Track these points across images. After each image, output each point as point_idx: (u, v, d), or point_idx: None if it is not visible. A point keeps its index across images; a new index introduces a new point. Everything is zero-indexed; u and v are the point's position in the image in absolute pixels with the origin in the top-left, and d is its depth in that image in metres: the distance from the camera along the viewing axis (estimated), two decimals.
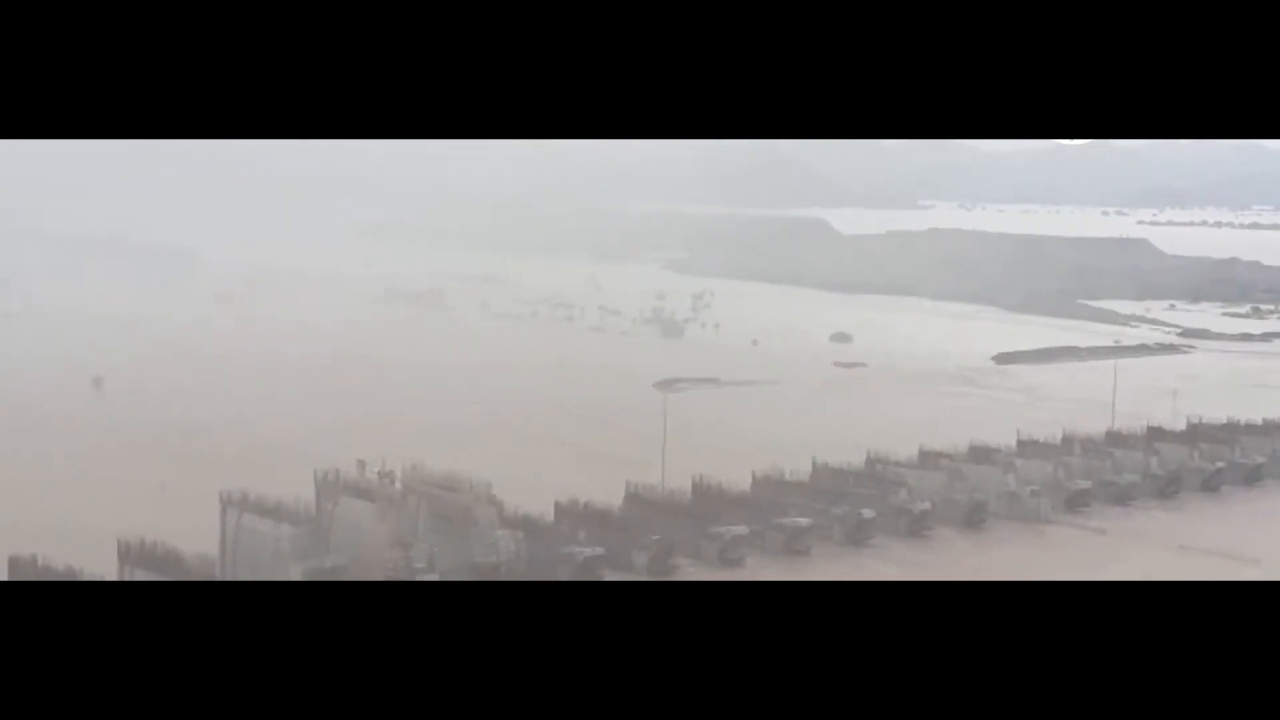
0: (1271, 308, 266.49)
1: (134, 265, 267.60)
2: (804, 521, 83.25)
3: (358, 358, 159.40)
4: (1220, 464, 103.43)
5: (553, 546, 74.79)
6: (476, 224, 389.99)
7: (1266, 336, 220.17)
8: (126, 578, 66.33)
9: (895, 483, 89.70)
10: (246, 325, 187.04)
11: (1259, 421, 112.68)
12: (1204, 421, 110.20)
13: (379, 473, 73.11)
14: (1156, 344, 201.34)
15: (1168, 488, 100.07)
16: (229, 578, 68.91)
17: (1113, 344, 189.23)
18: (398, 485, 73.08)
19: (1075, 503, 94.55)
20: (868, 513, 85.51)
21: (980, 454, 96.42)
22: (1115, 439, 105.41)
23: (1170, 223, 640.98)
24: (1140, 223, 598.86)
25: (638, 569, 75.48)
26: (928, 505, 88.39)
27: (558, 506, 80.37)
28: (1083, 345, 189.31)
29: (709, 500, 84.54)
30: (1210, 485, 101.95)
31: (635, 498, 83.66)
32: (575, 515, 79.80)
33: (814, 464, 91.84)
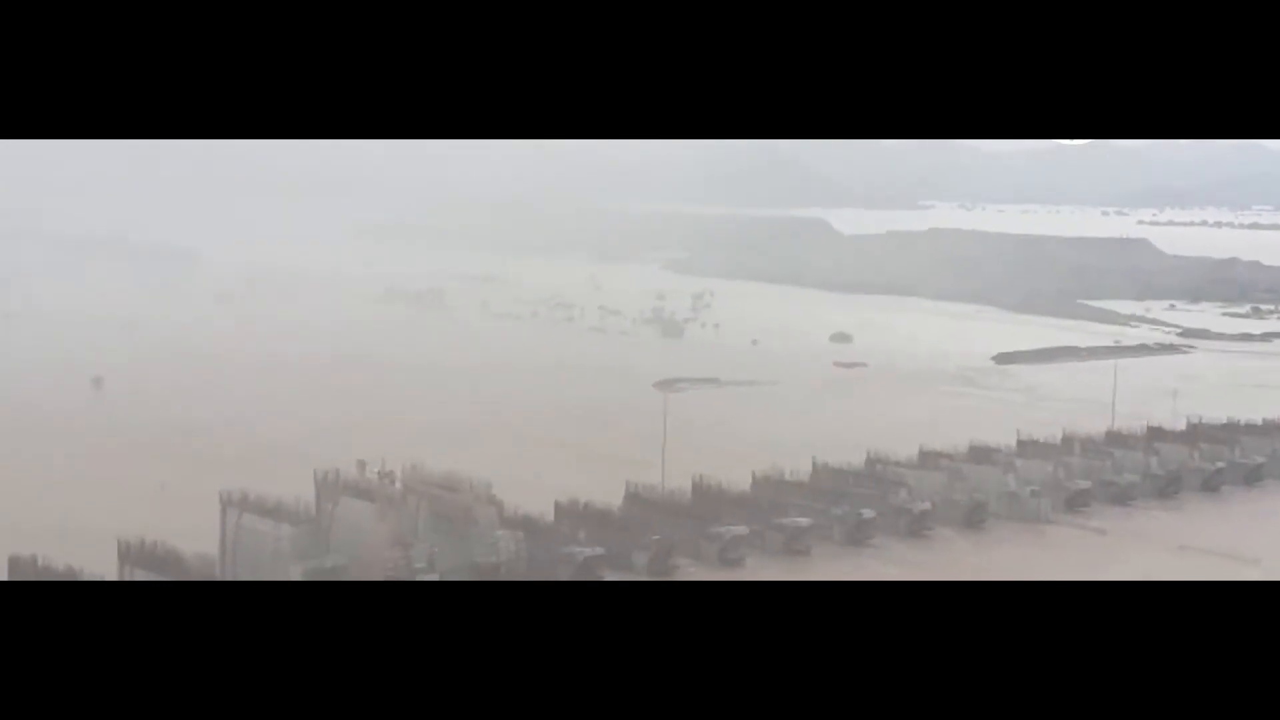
0: (1271, 308, 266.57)
1: (134, 265, 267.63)
2: (804, 521, 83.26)
3: (358, 358, 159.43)
4: (1220, 464, 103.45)
5: (553, 546, 74.79)
6: (476, 224, 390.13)
7: (1266, 336, 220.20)
8: (126, 578, 66.34)
9: (895, 483, 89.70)
10: (246, 325, 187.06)
11: (1259, 421, 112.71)
12: (1204, 421, 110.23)
13: (379, 473, 73.10)
14: (1156, 344, 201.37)
15: (1168, 488, 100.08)
16: (229, 578, 68.92)
17: (1113, 344, 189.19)
18: (398, 485, 73.08)
19: (1075, 503, 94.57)
20: (868, 513, 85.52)
21: (980, 454, 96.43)
22: (1115, 439, 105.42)
23: (1170, 223, 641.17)
24: (1140, 223, 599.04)
25: (638, 569, 75.49)
26: (928, 505, 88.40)
27: (558, 506, 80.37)
28: (1083, 345, 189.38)
29: (709, 500, 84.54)
30: (1210, 485, 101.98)
31: (635, 498, 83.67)
32: (575, 515, 79.80)
33: (814, 464, 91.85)
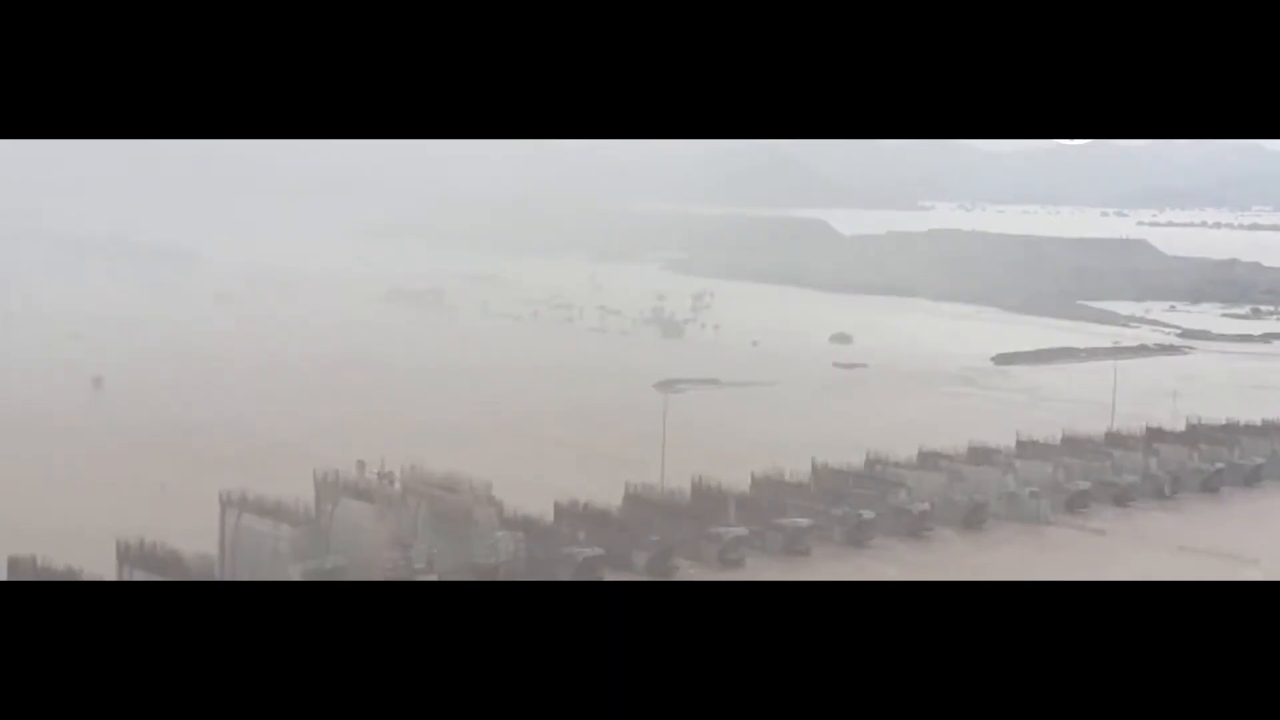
0: (1271, 308, 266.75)
1: (134, 265, 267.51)
2: (804, 522, 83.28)
3: (357, 358, 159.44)
4: (1220, 465, 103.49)
5: (552, 547, 74.80)
6: (476, 224, 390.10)
7: (1266, 337, 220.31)
8: (126, 578, 66.33)
9: (895, 483, 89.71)
10: (246, 325, 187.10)
11: (1258, 422, 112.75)
12: (1203, 422, 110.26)
13: (378, 473, 73.09)
14: (1156, 345, 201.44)
15: (1167, 489, 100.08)
16: (228, 578, 68.91)
17: (1112, 345, 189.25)
18: (397, 486, 73.06)
19: (1075, 504, 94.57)
20: (867, 513, 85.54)
21: (980, 455, 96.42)
22: (1115, 440, 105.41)
23: (1170, 223, 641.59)
24: (1140, 224, 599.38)
25: (637, 569, 75.50)
26: (927, 506, 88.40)
27: (557, 507, 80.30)
28: (1083, 346, 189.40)
29: (709, 501, 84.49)
30: (1210, 486, 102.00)
31: (635, 498, 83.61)
32: (575, 516, 79.76)
33: (814, 465, 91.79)
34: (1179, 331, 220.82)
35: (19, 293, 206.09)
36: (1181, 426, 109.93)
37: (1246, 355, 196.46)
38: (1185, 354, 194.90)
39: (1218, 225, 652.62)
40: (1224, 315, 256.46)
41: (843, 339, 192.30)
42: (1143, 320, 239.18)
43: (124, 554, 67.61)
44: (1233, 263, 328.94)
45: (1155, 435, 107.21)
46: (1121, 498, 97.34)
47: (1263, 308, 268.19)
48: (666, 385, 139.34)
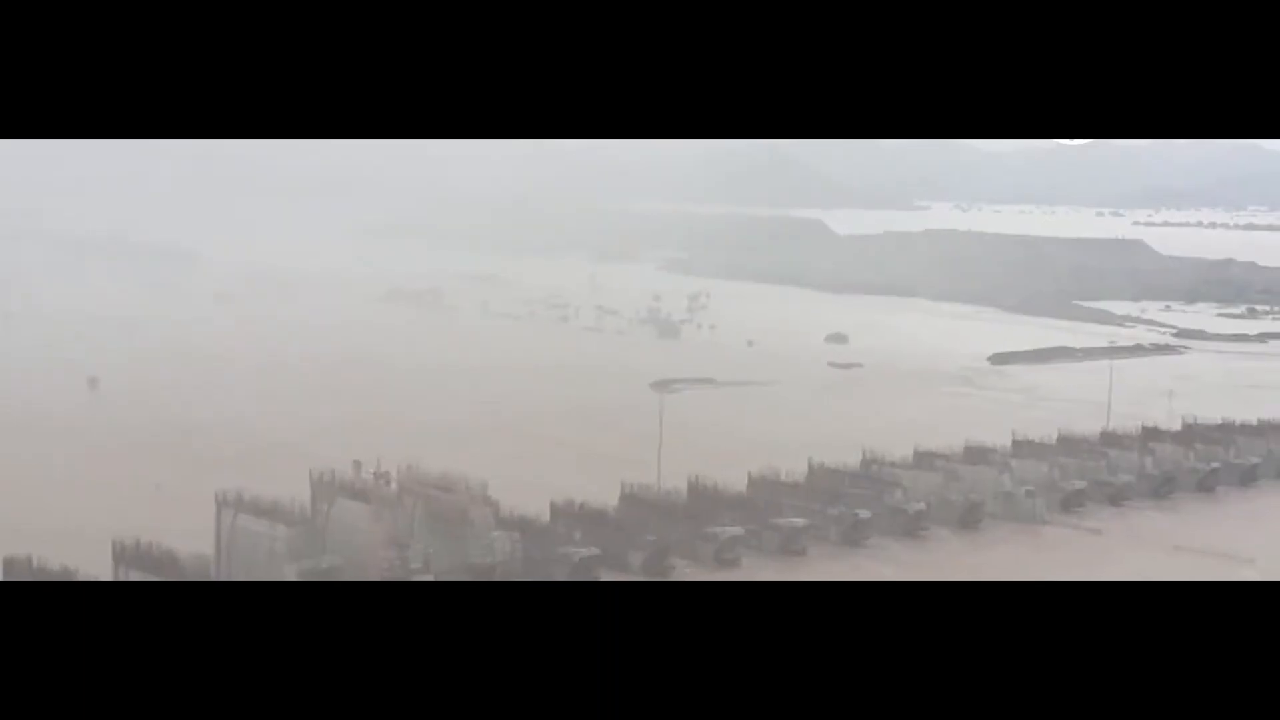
0: (1267, 308, 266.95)
1: (134, 265, 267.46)
2: (800, 522, 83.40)
3: (357, 358, 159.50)
4: (1215, 464, 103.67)
5: (548, 547, 74.88)
6: (476, 224, 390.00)
7: (1262, 337, 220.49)
8: (121, 578, 66.40)
9: (891, 483, 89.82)
10: (246, 325, 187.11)
11: (1254, 422, 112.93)
12: (1199, 422, 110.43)
13: (374, 473, 73.12)
14: (1152, 344, 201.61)
15: (1163, 488, 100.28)
16: (224, 578, 68.96)
17: (1108, 344, 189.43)
18: (393, 485, 73.09)
19: (1070, 503, 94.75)
20: (864, 513, 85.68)
21: (976, 454, 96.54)
22: (1110, 439, 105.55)
23: (1166, 223, 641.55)
24: (1136, 223, 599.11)
25: (633, 569, 75.62)
26: (923, 506, 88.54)
27: (553, 507, 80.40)
28: (1079, 346, 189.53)
29: (705, 500, 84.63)
30: (1205, 485, 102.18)
31: (631, 498, 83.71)
32: (571, 515, 79.86)
33: (810, 464, 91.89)
34: (1175, 331, 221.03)
35: (19, 293, 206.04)
36: (1177, 426, 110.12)
37: (1242, 355, 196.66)
38: (1181, 354, 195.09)
39: (1213, 225, 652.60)
40: (1219, 315, 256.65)
41: (839, 339, 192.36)
42: (1139, 320, 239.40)
43: (120, 554, 67.69)
44: (1228, 262, 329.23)
45: (1151, 435, 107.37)
46: (1117, 497, 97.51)
47: (1258, 307, 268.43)
48: (663, 385, 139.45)
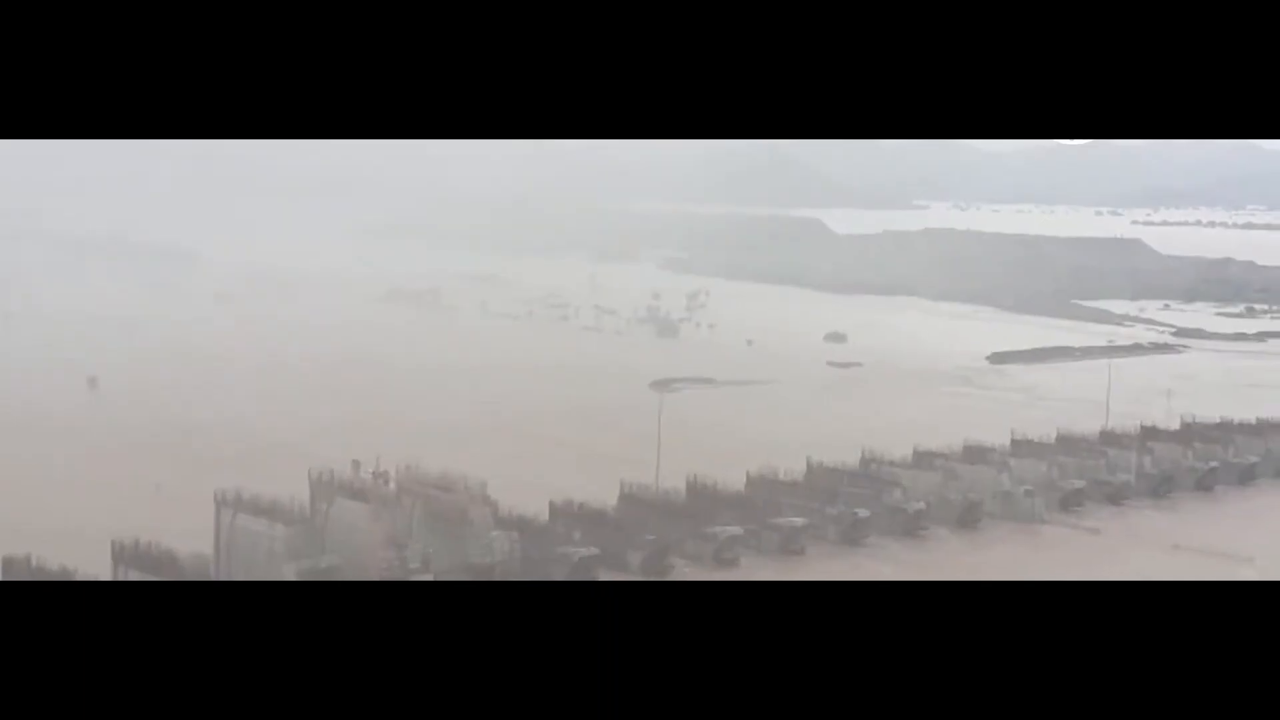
0: (1265, 307, 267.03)
1: (134, 265, 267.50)
2: (799, 521, 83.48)
3: (357, 358, 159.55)
4: (1214, 463, 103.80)
5: (548, 546, 74.95)
6: (476, 224, 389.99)
7: (1260, 336, 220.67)
8: (120, 578, 66.48)
9: (890, 482, 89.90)
10: (246, 325, 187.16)
11: (1253, 421, 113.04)
12: (1198, 421, 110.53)
13: (373, 473, 73.19)
14: (1151, 344, 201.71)
15: (1161, 487, 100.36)
16: (223, 578, 69.01)
17: (1107, 343, 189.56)
18: (392, 485, 73.16)
19: (1069, 502, 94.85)
20: (863, 512, 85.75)
21: (975, 454, 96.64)
22: (1109, 438, 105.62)
23: (1165, 223, 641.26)
24: (1135, 223, 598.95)
25: (632, 569, 75.69)
26: (922, 505, 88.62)
27: (552, 506, 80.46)
28: (1078, 345, 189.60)
29: (704, 500, 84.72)
30: (1204, 484, 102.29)
31: (630, 498, 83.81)
32: (570, 515, 79.91)
33: (809, 464, 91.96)
34: (1174, 330, 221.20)
35: (19, 293, 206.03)
36: (1176, 425, 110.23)
37: (1241, 354, 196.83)
38: (1180, 353, 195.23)
39: (1212, 224, 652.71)
40: (1218, 314, 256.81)
41: (838, 338, 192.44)
42: (1137, 319, 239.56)
43: (119, 554, 67.77)
44: (1227, 261, 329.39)
45: (1150, 434, 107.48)
46: (1116, 496, 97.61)
47: (1257, 306, 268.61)
48: (662, 385, 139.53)
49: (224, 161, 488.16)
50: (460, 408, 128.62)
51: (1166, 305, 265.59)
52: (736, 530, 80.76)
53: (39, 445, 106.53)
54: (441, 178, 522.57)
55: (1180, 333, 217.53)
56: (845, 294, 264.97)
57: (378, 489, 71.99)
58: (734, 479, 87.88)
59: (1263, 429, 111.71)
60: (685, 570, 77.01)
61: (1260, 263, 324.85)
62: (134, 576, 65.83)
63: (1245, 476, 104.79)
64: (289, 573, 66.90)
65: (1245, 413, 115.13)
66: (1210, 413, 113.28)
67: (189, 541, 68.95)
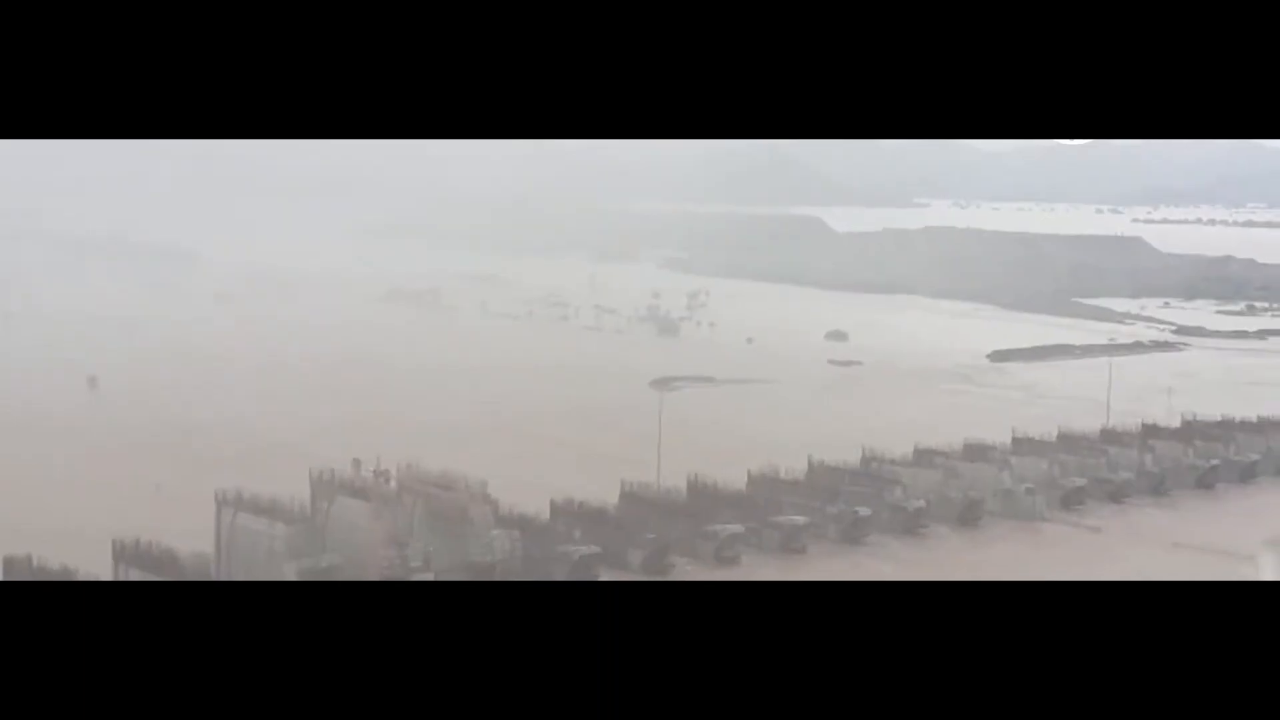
0: (1266, 305, 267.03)
1: (134, 265, 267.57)
2: (800, 520, 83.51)
3: (357, 358, 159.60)
4: (1215, 461, 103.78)
5: (548, 545, 74.98)
6: (476, 224, 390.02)
7: (1261, 334, 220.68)
8: (121, 577, 66.48)
9: (891, 481, 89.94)
10: (246, 325, 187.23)
11: (1254, 419, 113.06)
12: (1199, 419, 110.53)
13: (374, 472, 73.20)
14: (1151, 342, 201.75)
15: (1162, 485, 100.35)
16: (224, 577, 69.05)
17: (1107, 341, 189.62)
18: (393, 484, 73.18)
19: (1070, 500, 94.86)
20: (863, 511, 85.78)
21: (975, 452, 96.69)
22: (1110, 436, 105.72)
23: (1165, 220, 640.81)
24: (1135, 221, 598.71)
25: (633, 568, 75.72)
26: (923, 503, 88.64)
27: (553, 505, 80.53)
28: (1078, 343, 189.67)
29: (705, 498, 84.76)
30: (1205, 483, 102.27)
31: (631, 496, 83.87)
32: (571, 514, 79.99)
33: (810, 462, 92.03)
34: (1174, 328, 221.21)
35: (19, 293, 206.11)
36: (1176, 423, 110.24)
37: (1241, 352, 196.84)
38: (1180, 350, 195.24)
39: (1212, 222, 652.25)
40: (1219, 312, 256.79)
41: (839, 337, 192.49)
42: (1138, 317, 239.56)
43: (119, 553, 67.80)
44: (1227, 259, 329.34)
45: (1150, 432, 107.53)
46: (1117, 494, 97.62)
47: (1257, 304, 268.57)
48: (662, 384, 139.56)
49: (224, 161, 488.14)
50: (461, 407, 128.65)
51: (1167, 303, 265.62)
52: (737, 529, 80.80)
53: (39, 445, 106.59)
54: (441, 178, 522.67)
55: (1181, 330, 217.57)
56: (845, 292, 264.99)
57: (378, 487, 72.00)
58: (735, 478, 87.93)
59: (1264, 427, 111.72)
60: (686, 569, 77.04)
61: (1261, 260, 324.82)
62: (135, 576, 65.88)
63: (1246, 474, 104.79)
64: (290, 571, 66.94)
65: (1246, 410, 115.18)
66: (1211, 410, 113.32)
67: (189, 541, 68.98)
